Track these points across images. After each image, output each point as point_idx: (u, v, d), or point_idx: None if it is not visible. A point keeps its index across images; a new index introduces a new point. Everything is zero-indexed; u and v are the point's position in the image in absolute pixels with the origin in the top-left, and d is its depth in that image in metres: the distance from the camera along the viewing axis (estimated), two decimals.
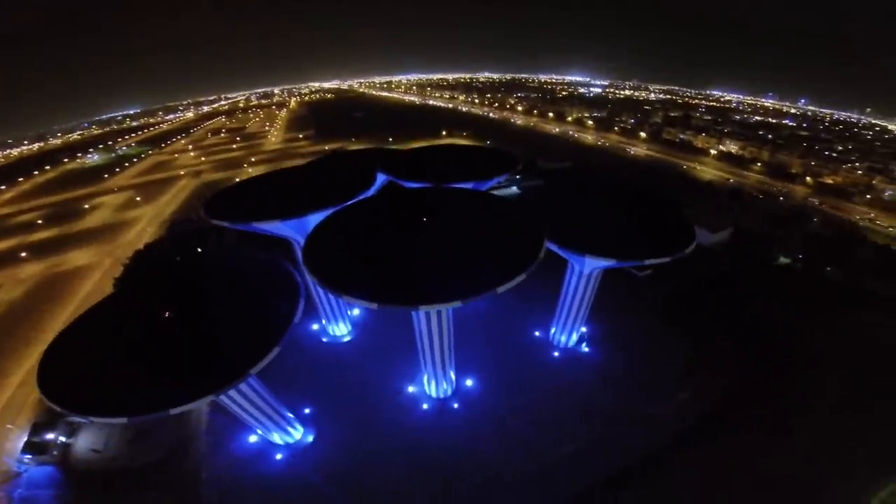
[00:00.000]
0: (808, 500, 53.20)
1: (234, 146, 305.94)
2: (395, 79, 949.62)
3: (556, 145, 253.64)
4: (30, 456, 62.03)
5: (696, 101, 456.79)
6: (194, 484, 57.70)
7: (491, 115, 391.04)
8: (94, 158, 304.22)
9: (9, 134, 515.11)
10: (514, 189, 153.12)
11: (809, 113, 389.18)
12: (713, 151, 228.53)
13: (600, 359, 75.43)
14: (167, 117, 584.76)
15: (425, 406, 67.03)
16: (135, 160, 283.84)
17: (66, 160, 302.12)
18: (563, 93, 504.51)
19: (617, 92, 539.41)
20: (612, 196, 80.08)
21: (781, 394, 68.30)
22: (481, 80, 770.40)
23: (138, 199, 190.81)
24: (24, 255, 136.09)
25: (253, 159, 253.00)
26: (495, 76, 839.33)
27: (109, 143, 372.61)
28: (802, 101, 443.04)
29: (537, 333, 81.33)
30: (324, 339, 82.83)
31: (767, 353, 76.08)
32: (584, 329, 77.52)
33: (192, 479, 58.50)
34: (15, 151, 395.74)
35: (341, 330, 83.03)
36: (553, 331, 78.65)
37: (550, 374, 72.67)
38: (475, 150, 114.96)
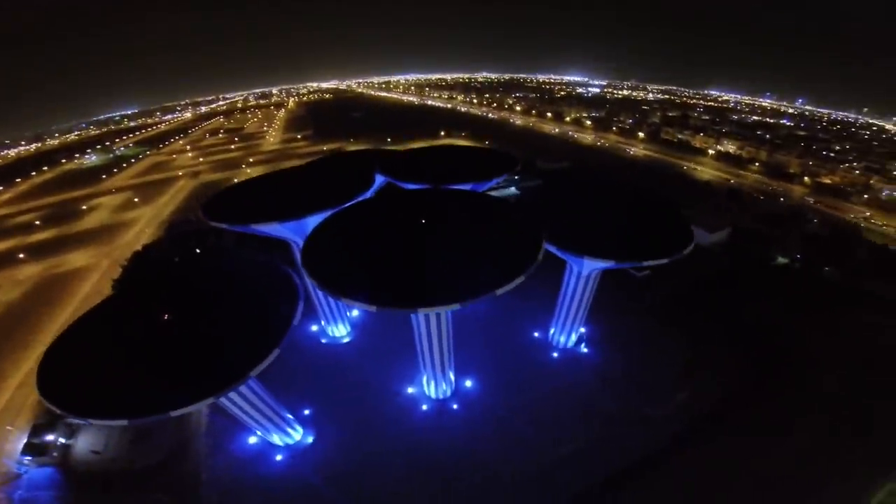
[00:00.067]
0: (807, 500, 53.38)
1: (233, 147, 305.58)
2: (394, 79, 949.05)
3: (554, 145, 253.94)
4: (30, 457, 61.91)
5: (694, 100, 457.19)
6: (194, 485, 57.73)
7: (490, 115, 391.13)
8: (91, 159, 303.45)
9: (6, 134, 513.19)
10: (513, 189, 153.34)
11: (807, 113, 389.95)
12: (711, 151, 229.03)
13: (599, 359, 75.62)
14: (165, 118, 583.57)
15: (425, 407, 67.14)
16: (133, 161, 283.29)
17: (63, 161, 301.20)
18: (562, 93, 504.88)
19: (615, 92, 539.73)
20: (610, 196, 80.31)
21: (780, 394, 68.55)
22: (480, 80, 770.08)
23: (136, 200, 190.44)
24: (21, 256, 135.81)
25: (251, 160, 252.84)
26: (493, 76, 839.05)
27: (107, 143, 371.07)
28: (800, 100, 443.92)
29: (536, 334, 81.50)
30: (323, 341, 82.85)
31: (766, 354, 76.32)
32: (582, 330, 77.69)
33: (192, 480, 58.52)
34: (12, 152, 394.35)
35: (340, 331, 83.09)
36: (552, 331, 78.81)
37: (549, 374, 72.82)
38: (473, 150, 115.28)
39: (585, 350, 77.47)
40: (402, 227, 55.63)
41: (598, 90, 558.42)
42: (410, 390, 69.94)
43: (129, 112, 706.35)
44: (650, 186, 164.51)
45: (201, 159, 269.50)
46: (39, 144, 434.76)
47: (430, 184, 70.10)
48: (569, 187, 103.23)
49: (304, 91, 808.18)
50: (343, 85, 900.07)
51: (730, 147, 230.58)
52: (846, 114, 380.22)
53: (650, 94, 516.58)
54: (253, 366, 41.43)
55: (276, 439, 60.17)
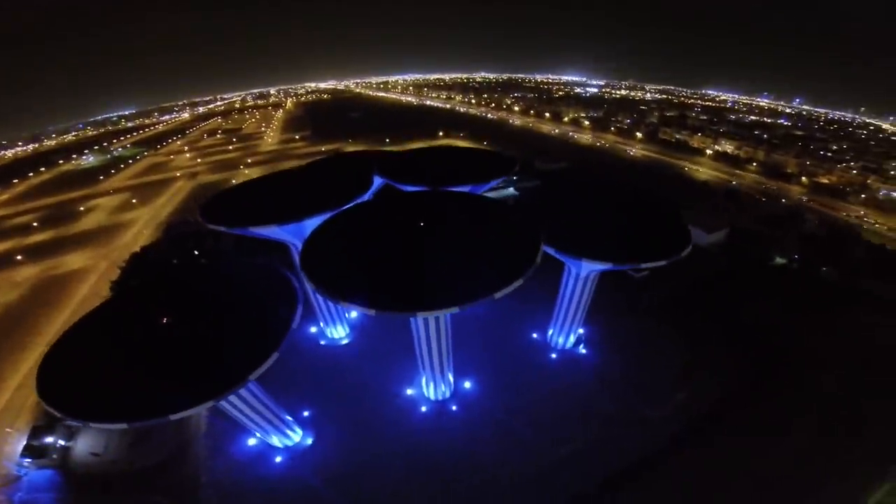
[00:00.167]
0: (805, 500, 53.58)
1: (231, 147, 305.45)
2: (392, 79, 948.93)
3: (553, 146, 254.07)
4: (29, 459, 61.87)
5: (692, 100, 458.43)
6: (194, 487, 57.74)
7: (488, 115, 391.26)
8: (89, 160, 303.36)
9: (4, 135, 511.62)
10: (511, 190, 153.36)
11: (804, 112, 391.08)
12: (709, 151, 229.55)
13: (598, 360, 75.77)
14: (163, 118, 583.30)
15: (424, 408, 67.22)
16: (130, 162, 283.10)
17: (61, 161, 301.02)
18: (560, 93, 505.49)
19: (613, 92, 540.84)
20: (608, 197, 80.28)
21: (778, 394, 68.76)
22: (478, 80, 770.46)
23: (134, 201, 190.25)
24: (19, 257, 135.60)
25: (249, 161, 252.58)
26: (492, 76, 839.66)
27: (105, 144, 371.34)
28: (797, 100, 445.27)
29: (535, 335, 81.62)
30: (322, 342, 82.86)
31: (764, 354, 76.54)
32: (581, 331, 77.89)
33: (191, 482, 58.53)
34: (9, 153, 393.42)
35: (339, 333, 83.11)
36: (550, 333, 78.94)
37: (548, 375, 72.95)
38: (472, 152, 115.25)
39: (584, 351, 77.63)
40: (401, 229, 55.65)
41: (596, 90, 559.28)
42: (409, 392, 70.01)
43: (127, 112, 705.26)
44: (648, 187, 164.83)
45: (199, 160, 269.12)
46: (37, 145, 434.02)
47: (428, 186, 70.16)
48: (567, 188, 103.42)
49: (302, 91, 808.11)
50: (341, 85, 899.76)
51: (727, 147, 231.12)
52: (843, 113, 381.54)
53: (648, 94, 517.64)
54: (252, 369, 41.48)
55: (276, 441, 60.21)
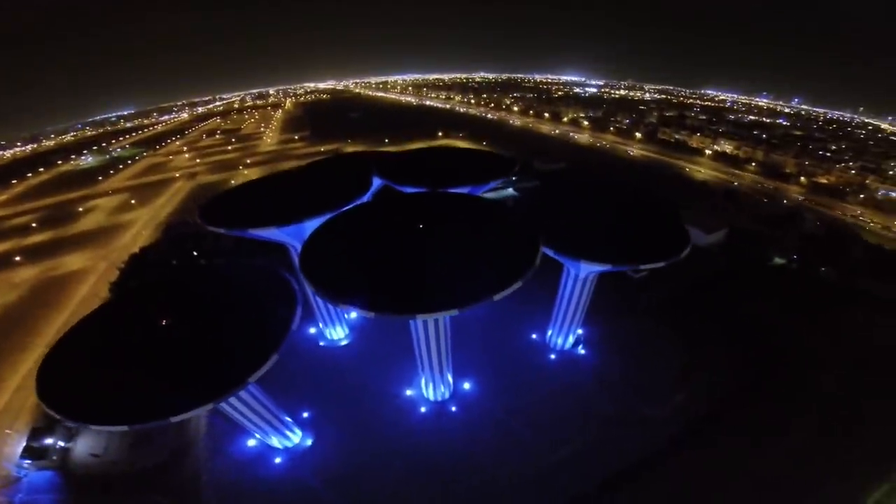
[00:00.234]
0: (804, 500, 53.77)
1: (230, 148, 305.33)
2: (391, 79, 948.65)
3: (552, 146, 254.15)
4: (29, 461, 61.86)
5: (691, 100, 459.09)
6: (194, 488, 57.80)
7: (487, 115, 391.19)
8: (88, 160, 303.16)
9: (2, 135, 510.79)
10: (510, 191, 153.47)
11: (803, 112, 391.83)
12: (708, 151, 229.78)
13: (597, 361, 75.86)
14: (162, 118, 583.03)
15: (423, 409, 67.28)
16: (129, 162, 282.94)
17: (59, 162, 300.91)
18: (559, 93, 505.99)
19: (612, 92, 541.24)
20: (607, 198, 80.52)
21: (777, 394, 68.94)
22: (477, 80, 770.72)
23: (133, 201, 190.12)
24: (18, 258, 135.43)
25: (248, 161, 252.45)
26: (491, 76, 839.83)
27: (103, 144, 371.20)
28: (796, 100, 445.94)
29: (534, 336, 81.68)
30: (321, 343, 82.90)
31: (762, 354, 76.68)
32: (580, 331, 77.97)
33: (191, 483, 58.60)
34: (8, 153, 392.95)
35: (338, 333, 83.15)
36: (549, 333, 79.01)
37: (547, 376, 73.04)
38: (471, 153, 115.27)
39: (583, 352, 77.72)
40: (400, 231, 55.76)
41: (595, 90, 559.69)
42: (409, 392, 70.08)
43: (126, 113, 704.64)
44: (647, 187, 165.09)
45: (198, 160, 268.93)
46: (35, 145, 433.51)
47: (427, 187, 70.24)
48: (566, 189, 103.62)
49: (302, 91, 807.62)
50: (340, 85, 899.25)
51: (726, 147, 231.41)
52: (842, 113, 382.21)
53: (647, 94, 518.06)
54: (252, 371, 41.52)
55: (276, 442, 60.25)
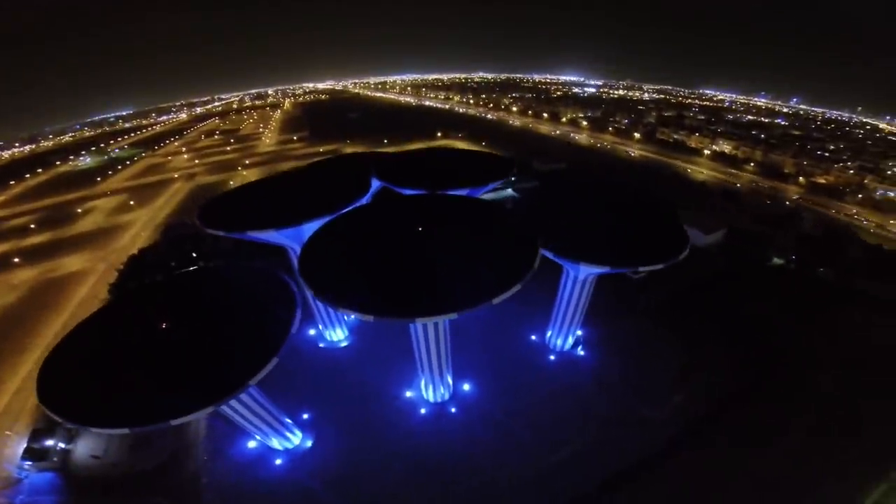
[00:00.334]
0: (803, 500, 54.00)
1: (229, 148, 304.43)
2: (391, 79, 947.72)
3: (551, 146, 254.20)
4: (30, 462, 61.94)
5: (690, 100, 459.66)
6: (195, 490, 57.92)
7: (487, 115, 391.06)
8: (86, 161, 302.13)
9: (2, 135, 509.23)
10: (510, 191, 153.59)
11: (801, 112, 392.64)
12: (706, 151, 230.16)
13: (596, 362, 76.05)
14: (160, 119, 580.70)
15: (423, 410, 67.43)
16: (128, 163, 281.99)
17: (58, 163, 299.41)
18: (558, 93, 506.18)
19: (611, 92, 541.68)
20: (605, 199, 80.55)
21: (775, 394, 69.21)
22: (476, 80, 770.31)
23: (132, 202, 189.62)
24: (16, 260, 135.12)
25: (247, 162, 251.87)
26: (490, 76, 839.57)
27: (102, 145, 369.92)
28: (794, 100, 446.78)
29: (533, 337, 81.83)
30: (321, 345, 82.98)
31: (761, 354, 76.93)
32: (579, 332, 78.11)
33: (192, 484, 58.74)
34: (6, 154, 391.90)
35: (338, 335, 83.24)
36: (549, 335, 79.19)
37: (546, 377, 73.20)
38: (470, 154, 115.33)
39: (582, 353, 77.88)
40: (399, 233, 55.89)
41: (594, 90, 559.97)
42: (408, 394, 70.20)
43: (124, 113, 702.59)
44: (646, 187, 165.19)
45: (197, 161, 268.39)
46: (33, 146, 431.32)
47: (426, 189, 70.32)
48: (565, 190, 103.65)
49: (300, 92, 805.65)
50: (339, 85, 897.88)
51: (725, 147, 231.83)
52: (840, 113, 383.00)
53: (646, 94, 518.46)
54: (252, 374, 41.66)
55: (276, 443, 60.38)
